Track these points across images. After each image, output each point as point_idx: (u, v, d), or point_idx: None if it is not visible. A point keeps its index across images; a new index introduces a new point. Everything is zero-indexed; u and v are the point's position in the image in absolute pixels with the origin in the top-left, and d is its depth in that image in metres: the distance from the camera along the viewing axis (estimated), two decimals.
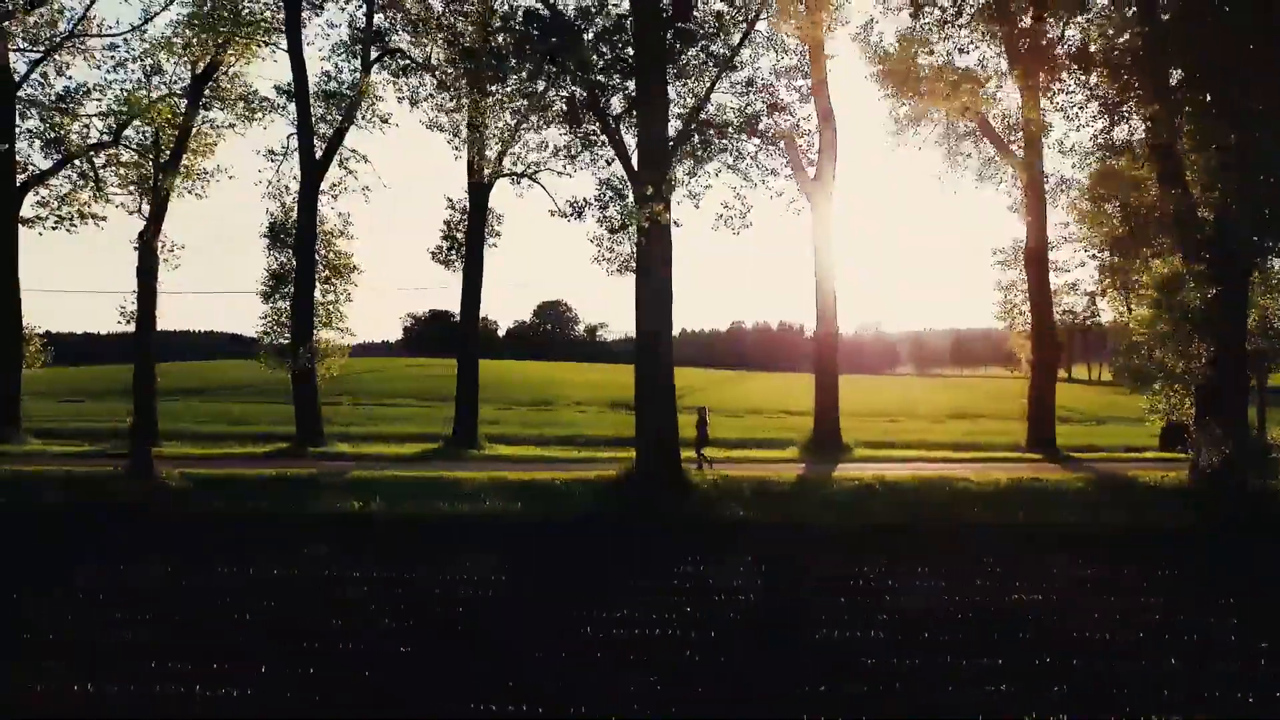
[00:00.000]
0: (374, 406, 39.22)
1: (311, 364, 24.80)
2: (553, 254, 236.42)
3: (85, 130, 27.29)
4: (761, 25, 20.42)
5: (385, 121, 25.72)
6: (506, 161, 24.86)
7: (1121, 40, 16.64)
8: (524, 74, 16.51)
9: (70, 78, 27.28)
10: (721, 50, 17.06)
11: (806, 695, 8.38)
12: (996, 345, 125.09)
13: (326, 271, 25.60)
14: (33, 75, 26.25)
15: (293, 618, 10.54)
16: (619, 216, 16.97)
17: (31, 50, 26.26)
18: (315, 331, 25.02)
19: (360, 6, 25.45)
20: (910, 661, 9.31)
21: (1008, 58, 24.34)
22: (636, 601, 11.18)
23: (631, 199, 16.99)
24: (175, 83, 26.68)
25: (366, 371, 54.27)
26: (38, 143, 26.92)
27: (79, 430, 29.05)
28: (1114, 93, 17.01)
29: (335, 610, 10.81)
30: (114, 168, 27.58)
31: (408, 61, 26.04)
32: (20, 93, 25.78)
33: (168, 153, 26.55)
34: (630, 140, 17.63)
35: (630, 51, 16.89)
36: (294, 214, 25.29)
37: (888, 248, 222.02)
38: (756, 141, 18.15)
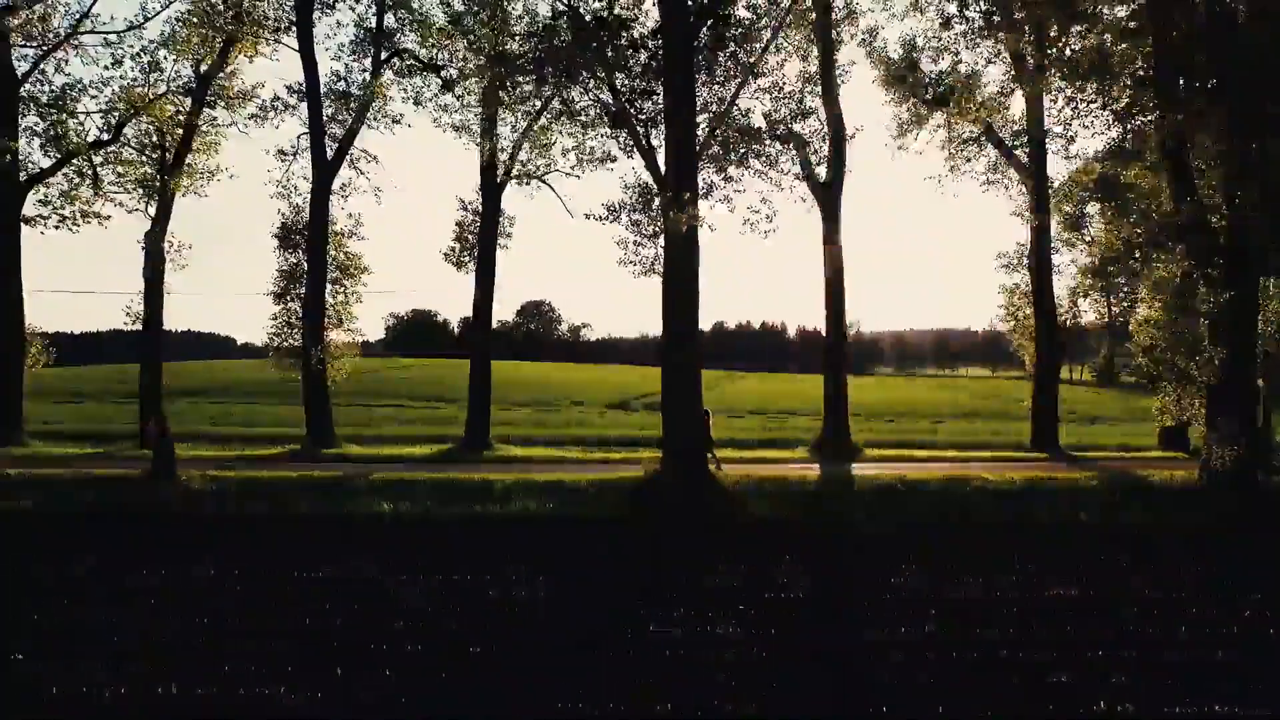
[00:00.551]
0: (376, 408, 39.05)
1: (323, 365, 24.74)
2: (536, 254, 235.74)
3: (81, 127, 26.93)
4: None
5: (396, 122, 25.68)
6: (517, 164, 25.02)
7: (1132, 51, 17.10)
8: (556, 81, 16.64)
9: (69, 75, 26.80)
10: (747, 58, 17.30)
11: (875, 689, 8.63)
12: (978, 345, 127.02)
13: (336, 272, 25.55)
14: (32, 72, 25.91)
15: (354, 620, 10.61)
16: (647, 221, 17.14)
17: (28, 45, 25.91)
18: (325, 332, 24.97)
19: (370, 7, 25.44)
20: (970, 655, 9.61)
21: (1013, 66, 24.94)
22: (690, 601, 11.38)
23: (658, 203, 17.20)
24: (174, 80, 26.44)
25: (354, 372, 53.99)
26: (37, 140, 26.59)
27: (79, 432, 28.68)
28: (1125, 103, 17.44)
29: (395, 613, 10.89)
30: (112, 166, 27.25)
31: (414, 61, 26.04)
32: (22, 90, 25.37)
33: (171, 152, 26.41)
34: (654, 138, 17.83)
35: (655, 59, 17.09)
36: (302, 214, 25.28)
37: (869, 248, 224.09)
38: (778, 146, 18.40)
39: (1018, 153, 25.47)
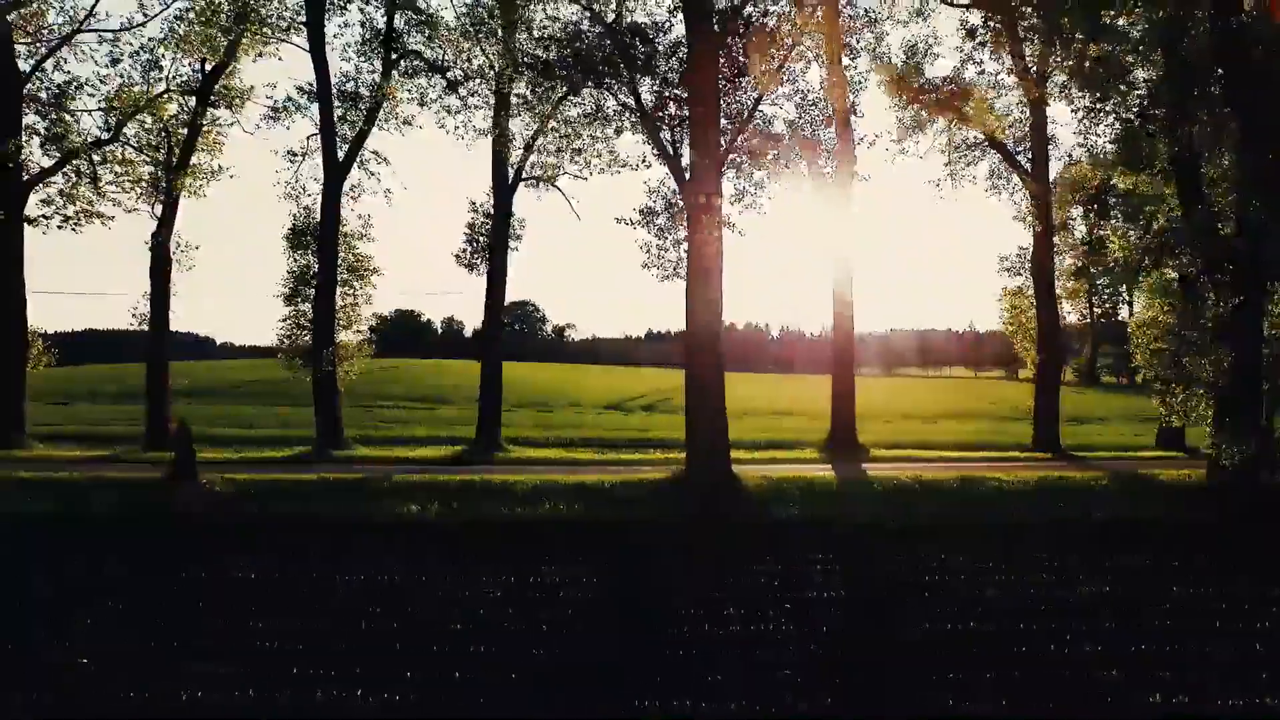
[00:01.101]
0: (374, 409, 38.87)
1: (333, 367, 24.69)
2: (519, 254, 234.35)
3: (78, 124, 26.62)
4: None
5: (408, 124, 25.67)
6: (528, 167, 25.14)
7: (1142, 63, 17.56)
8: (583, 85, 16.80)
9: (69, 73, 26.42)
10: (769, 65, 17.56)
11: (941, 685, 8.89)
12: (959, 346, 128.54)
13: (344, 273, 25.48)
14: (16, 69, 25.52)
15: (410, 623, 10.69)
16: (670, 225, 17.36)
17: (35, 43, 25.60)
18: (336, 334, 24.93)
19: (380, 9, 25.38)
20: (1018, 650, 9.91)
21: (1016, 75, 25.47)
22: (736, 601, 11.59)
23: (683, 208, 17.42)
24: (174, 79, 26.22)
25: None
26: (36, 139, 26.26)
27: (78, 434, 28.34)
28: (1135, 113, 17.89)
29: (450, 615, 10.99)
30: (111, 165, 26.99)
31: (420, 62, 26.04)
32: (26, 88, 25.07)
33: (177, 152, 26.21)
34: (668, 137, 18.04)
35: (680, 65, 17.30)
36: (313, 215, 25.20)
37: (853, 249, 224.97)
38: (798, 150, 18.70)
39: (1020, 158, 25.98)
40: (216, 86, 26.57)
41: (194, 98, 26.46)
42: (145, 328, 25.75)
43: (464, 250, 25.13)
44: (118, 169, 26.80)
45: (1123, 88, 17.72)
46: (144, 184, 26.54)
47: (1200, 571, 13.32)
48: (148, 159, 26.62)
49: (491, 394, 25.40)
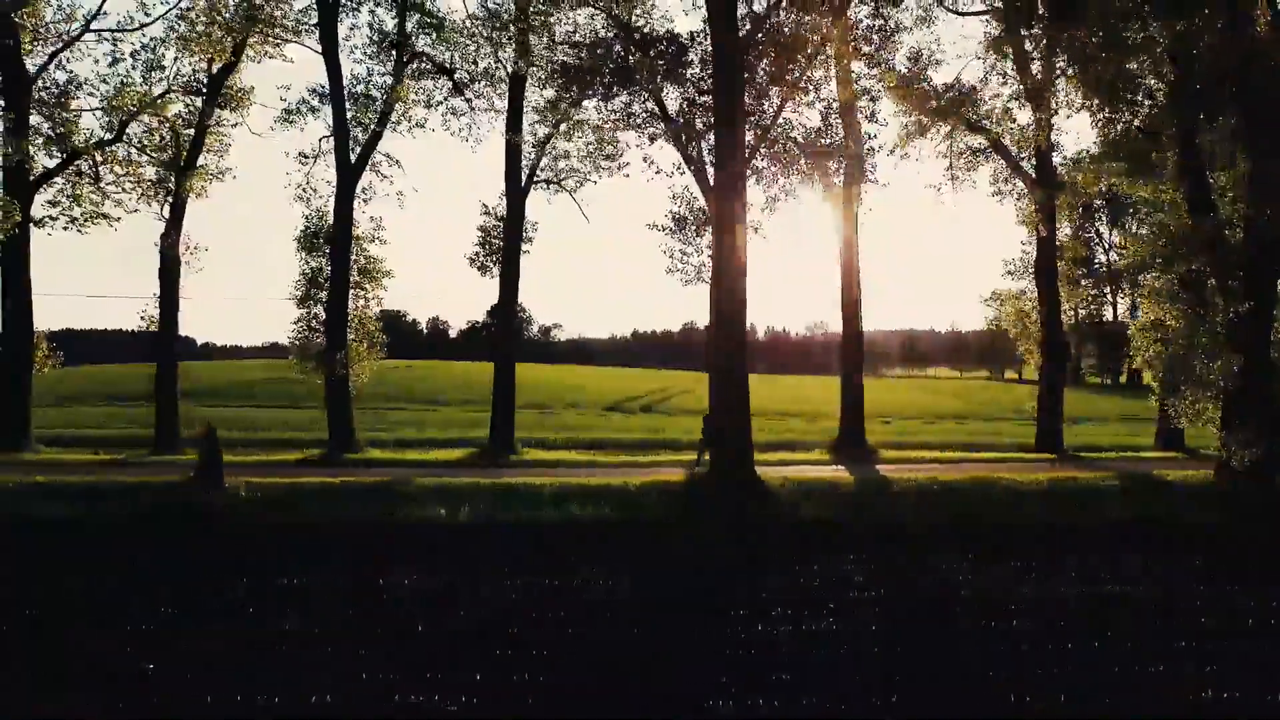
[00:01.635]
0: (375, 410, 38.73)
1: (346, 369, 24.66)
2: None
3: (77, 122, 26.32)
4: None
5: (420, 126, 25.68)
6: (540, 170, 25.25)
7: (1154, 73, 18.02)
8: (609, 92, 17.03)
9: (71, 73, 26.19)
10: (791, 75, 17.85)
11: (1002, 680, 9.18)
12: (944, 347, 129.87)
13: (356, 275, 25.45)
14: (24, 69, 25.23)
15: (465, 625, 10.82)
16: (695, 231, 17.59)
17: (32, 42, 25.31)
18: (349, 337, 24.90)
19: (391, 12, 25.37)
20: (1064, 646, 10.23)
21: (1021, 83, 25.96)
22: (782, 601, 11.83)
23: (707, 213, 17.66)
24: (175, 78, 26.01)
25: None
26: (40, 139, 25.95)
27: (84, 438, 28.03)
28: (1146, 122, 18.36)
29: (503, 617, 11.13)
30: (111, 165, 26.73)
31: (429, 64, 26.05)
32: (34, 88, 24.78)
33: (185, 153, 26.04)
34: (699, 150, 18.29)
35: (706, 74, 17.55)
36: (325, 217, 25.15)
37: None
38: (817, 158, 19.02)
39: (1024, 163, 26.47)
40: (224, 87, 26.39)
41: (199, 98, 26.29)
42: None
43: (477, 253, 25.19)
44: (118, 169, 26.57)
45: (1131, 98, 18.14)
46: (145, 185, 26.32)
47: (1221, 572, 13.75)
48: (150, 159, 26.40)
49: (505, 396, 25.46)
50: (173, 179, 25.72)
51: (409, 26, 25.47)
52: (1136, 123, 18.43)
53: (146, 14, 25.80)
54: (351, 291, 25.33)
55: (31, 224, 24.85)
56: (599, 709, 8.57)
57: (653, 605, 11.93)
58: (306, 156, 25.16)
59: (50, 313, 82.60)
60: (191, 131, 26.24)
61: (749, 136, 18.03)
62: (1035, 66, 25.23)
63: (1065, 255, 26.07)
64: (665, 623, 11.19)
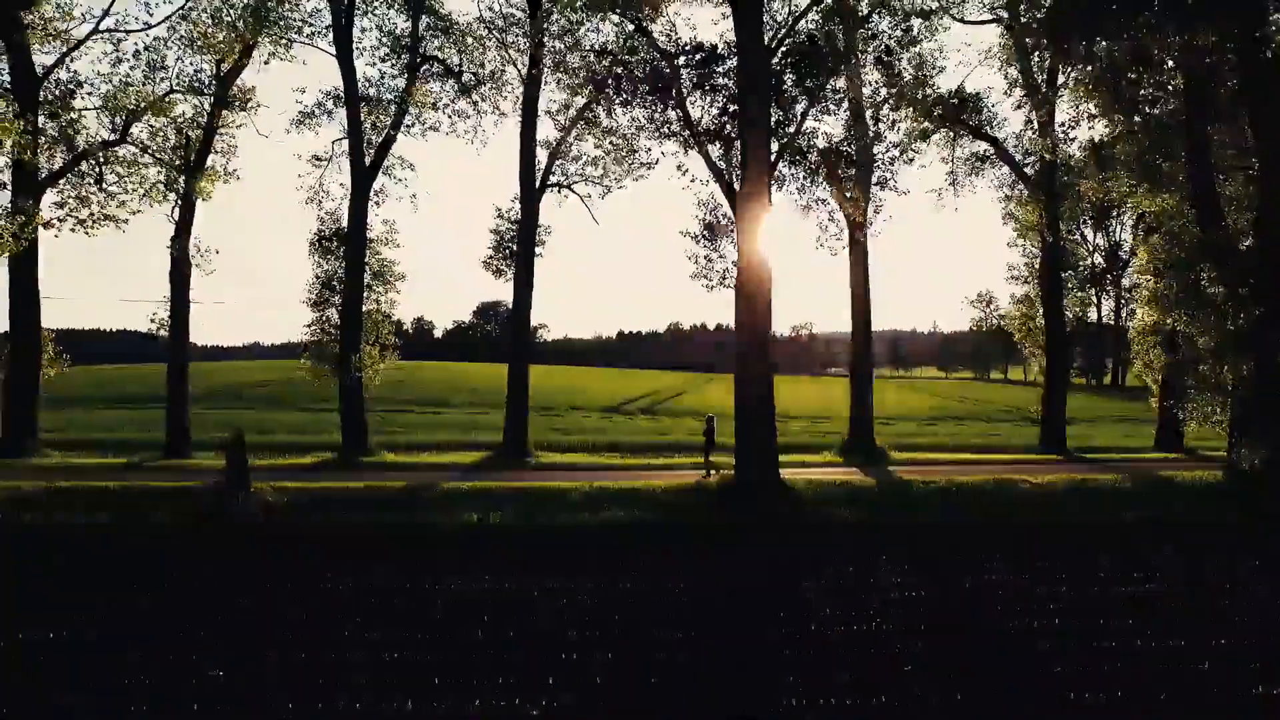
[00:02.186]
0: (381, 413, 38.60)
1: (360, 373, 24.65)
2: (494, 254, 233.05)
3: (82, 122, 26.09)
4: None
5: (434, 129, 25.73)
6: (554, 174, 25.40)
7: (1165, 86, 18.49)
8: (636, 106, 17.29)
9: (75, 73, 25.99)
10: (816, 85, 18.14)
11: (1051, 679, 9.47)
12: (929, 347, 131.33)
13: (369, 277, 25.45)
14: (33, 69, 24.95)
15: (527, 630, 10.94)
16: (717, 236, 17.82)
17: (43, 39, 25.07)
18: (363, 340, 24.90)
19: (404, 15, 25.39)
20: (1108, 644, 10.55)
21: (1025, 90, 26.46)
22: (829, 602, 12.07)
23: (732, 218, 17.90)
24: (178, 78, 25.86)
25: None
26: (42, 139, 25.68)
27: (90, 441, 27.77)
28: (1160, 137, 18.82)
29: (561, 621, 11.27)
30: (113, 166, 26.51)
31: (440, 67, 26.11)
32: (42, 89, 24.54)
33: (194, 154, 25.89)
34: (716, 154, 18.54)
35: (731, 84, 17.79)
36: (338, 220, 25.16)
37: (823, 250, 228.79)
38: (841, 165, 19.34)
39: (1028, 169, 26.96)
40: (232, 88, 26.28)
41: (203, 99, 26.16)
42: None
43: (491, 257, 25.26)
44: (119, 170, 26.37)
45: (1143, 108, 18.59)
46: (147, 186, 26.13)
47: (1241, 570, 14.18)
48: (153, 160, 26.21)
49: (518, 399, 25.56)
50: (182, 181, 25.53)
51: (421, 29, 25.52)
52: (1148, 133, 18.86)
53: (150, 13, 25.72)
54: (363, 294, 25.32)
55: (40, 226, 24.59)
56: (669, 712, 8.75)
57: (704, 608, 12.11)
58: (320, 159, 25.17)
59: (48, 314, 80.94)
60: (200, 133, 26.09)
61: (773, 144, 18.28)
62: (1040, 75, 25.75)
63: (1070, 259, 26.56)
64: (724, 625, 11.38)
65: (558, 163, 25.18)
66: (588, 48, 18.79)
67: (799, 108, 18.14)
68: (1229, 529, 16.41)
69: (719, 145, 18.05)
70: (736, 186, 18.04)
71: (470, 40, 25.64)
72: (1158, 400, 26.56)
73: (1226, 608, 12.15)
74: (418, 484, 19.25)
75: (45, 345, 25.19)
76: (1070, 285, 30.70)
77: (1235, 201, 18.73)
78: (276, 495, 17.78)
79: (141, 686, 9.10)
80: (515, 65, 24.84)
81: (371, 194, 25.25)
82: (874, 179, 19.89)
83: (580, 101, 24.60)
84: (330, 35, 24.58)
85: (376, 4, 25.02)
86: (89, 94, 26.07)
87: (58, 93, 25.50)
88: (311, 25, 24.96)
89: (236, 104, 26.78)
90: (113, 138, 25.92)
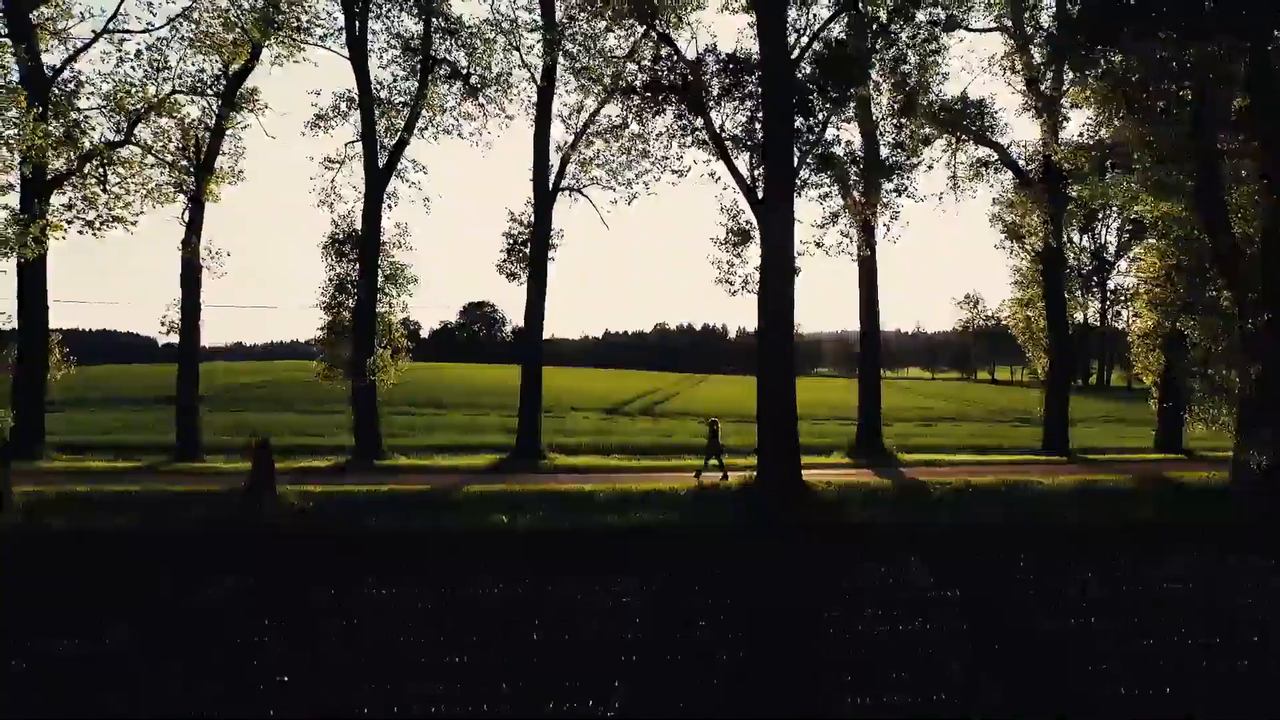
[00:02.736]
0: (387, 415, 38.42)
1: (374, 376, 24.64)
2: (474, 254, 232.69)
3: (88, 123, 25.81)
4: None
5: (448, 133, 25.76)
6: (566, 177, 25.54)
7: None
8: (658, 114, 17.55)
9: (79, 72, 25.77)
10: (839, 93, 18.43)
11: (1104, 674, 9.80)
12: (915, 348, 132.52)
13: (381, 280, 25.42)
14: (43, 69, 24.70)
15: (587, 634, 11.09)
16: (741, 242, 18.08)
17: (52, 39, 24.83)
18: (377, 343, 24.89)
19: (416, 18, 25.40)
20: (1147, 643, 10.92)
21: (1029, 98, 26.96)
22: (862, 604, 12.34)
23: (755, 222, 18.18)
24: (180, 78, 25.67)
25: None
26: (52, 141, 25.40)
27: (96, 444, 27.47)
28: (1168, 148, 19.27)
29: (617, 624, 11.45)
30: (114, 167, 26.28)
31: (448, 68, 26.14)
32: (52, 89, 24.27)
33: (203, 155, 25.74)
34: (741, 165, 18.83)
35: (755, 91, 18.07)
36: (349, 222, 25.12)
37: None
38: (858, 172, 19.66)
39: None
40: (240, 89, 26.15)
41: (211, 99, 26.01)
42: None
43: (505, 260, 25.33)
44: (121, 170, 26.14)
45: (1152, 118, 19.04)
46: (150, 188, 25.94)
47: (1261, 569, 14.64)
48: (157, 161, 26.02)
49: (532, 401, 25.66)
50: (192, 182, 25.36)
51: (433, 33, 25.52)
52: (1162, 143, 19.27)
53: (152, 13, 25.47)
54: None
55: (48, 228, 24.32)
56: (732, 710, 8.97)
57: (749, 609, 12.34)
58: (333, 161, 25.10)
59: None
60: (208, 134, 25.94)
61: (795, 152, 18.56)
62: (1045, 82, 26.24)
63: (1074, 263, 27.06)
64: (772, 625, 11.62)
65: (570, 166, 25.31)
66: (612, 54, 18.96)
67: (821, 116, 18.41)
68: (1241, 529, 16.88)
69: (741, 152, 18.29)
70: (759, 194, 18.29)
71: (479, 43, 25.67)
72: (1157, 402, 27.14)
73: (1250, 606, 12.58)
74: (440, 487, 19.32)
75: (52, 347, 24.91)
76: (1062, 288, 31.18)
77: (1241, 210, 19.22)
78: (301, 499, 17.77)
79: (218, 689, 9.21)
80: (529, 70, 24.92)
81: (384, 197, 25.21)
82: (892, 185, 20.19)
83: (592, 105, 24.86)
84: (343, 38, 24.53)
85: (388, 6, 25.00)
86: (90, 94, 25.86)
87: (63, 92, 25.24)
88: (323, 27, 24.93)
89: (244, 105, 26.64)
90: (117, 138, 25.69)
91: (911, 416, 42.78)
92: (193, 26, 25.04)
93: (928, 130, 28.07)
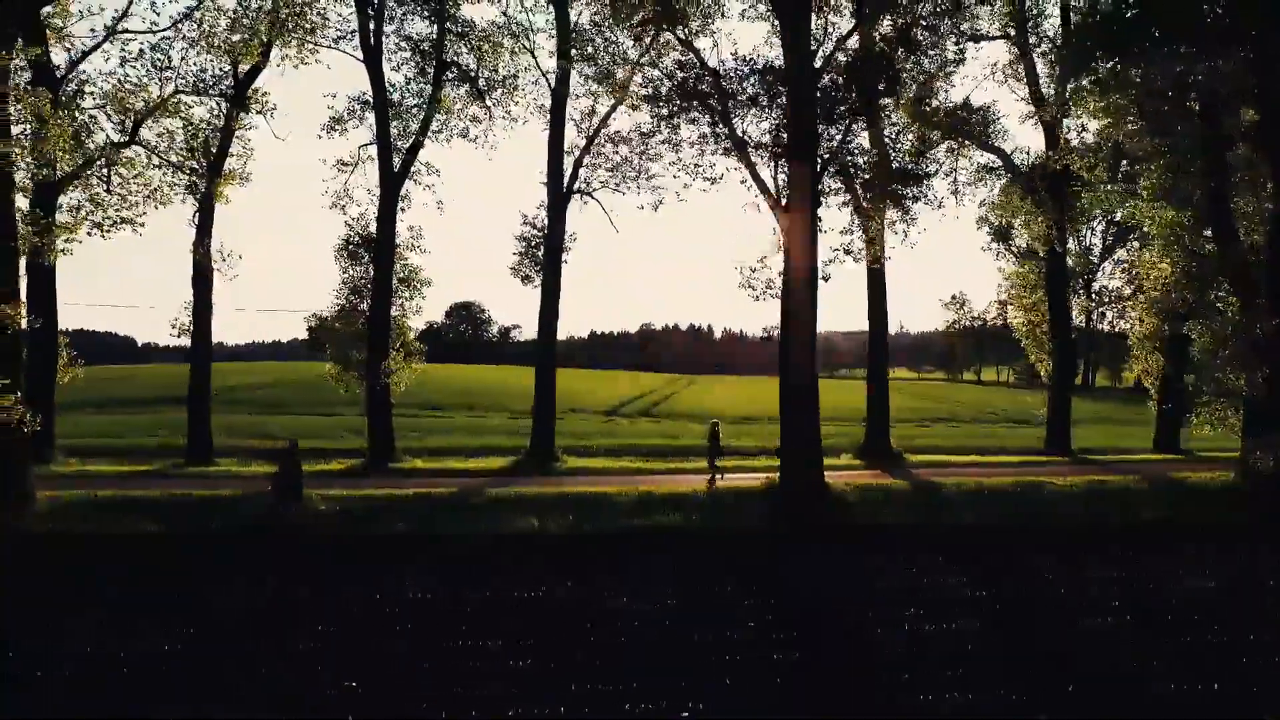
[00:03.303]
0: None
1: (388, 379, 24.64)
2: (459, 254, 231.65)
3: (95, 124, 25.58)
4: None
5: (464, 136, 25.80)
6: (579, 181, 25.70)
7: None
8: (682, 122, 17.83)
9: (83, 72, 25.53)
10: (861, 101, 18.74)
11: (1148, 670, 10.13)
12: (903, 348, 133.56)
13: (395, 283, 25.42)
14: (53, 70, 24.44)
15: (646, 637, 11.27)
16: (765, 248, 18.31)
17: (61, 39, 24.59)
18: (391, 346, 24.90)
19: (429, 21, 25.42)
20: (1183, 640, 11.28)
21: (1033, 105, 27.47)
22: (903, 603, 12.61)
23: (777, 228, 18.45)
24: (186, 79, 25.52)
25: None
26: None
27: (103, 448, 27.21)
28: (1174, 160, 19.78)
29: (679, 626, 11.65)
30: (117, 167, 26.07)
31: (458, 72, 26.20)
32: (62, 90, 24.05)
33: (213, 156, 25.60)
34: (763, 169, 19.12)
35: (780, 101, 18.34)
36: (364, 225, 25.13)
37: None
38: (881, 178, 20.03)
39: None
40: (250, 90, 26.03)
41: (220, 100, 25.88)
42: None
43: (519, 263, 25.44)
44: (123, 171, 25.93)
45: (1164, 129, 19.51)
46: (150, 189, 25.75)
47: (1275, 566, 15.11)
48: (160, 162, 25.85)
49: (545, 403, 25.75)
50: (203, 184, 25.21)
51: (445, 37, 25.56)
52: (1175, 153, 19.73)
53: (156, 13, 25.35)
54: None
55: (56, 230, 24.08)
56: (791, 710, 9.20)
57: (796, 610, 12.57)
58: (346, 164, 25.07)
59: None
60: (217, 135, 25.79)
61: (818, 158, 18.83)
62: (1048, 90, 26.76)
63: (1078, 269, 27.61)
64: (819, 625, 11.85)
65: (582, 170, 25.47)
66: (638, 62, 19.13)
67: (843, 123, 18.70)
68: (1253, 529, 17.36)
69: (763, 157, 18.56)
70: (782, 200, 18.55)
71: (485, 46, 25.77)
72: (1156, 404, 27.74)
73: (1276, 603, 13.01)
74: (464, 490, 19.40)
75: (61, 350, 24.67)
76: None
77: (1247, 218, 19.76)
78: (327, 504, 17.78)
79: (280, 694, 9.29)
80: (544, 74, 25.06)
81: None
82: (912, 192, 20.51)
83: (603, 110, 25.05)
84: (356, 39, 24.52)
85: (402, 10, 25.02)
86: (89, 93, 25.63)
87: (69, 93, 25.01)
88: (337, 29, 24.90)
89: (254, 106, 26.51)
90: (124, 139, 25.49)
91: (908, 418, 43.20)
92: (194, 27, 24.91)
93: (931, 136, 28.63)
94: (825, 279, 18.17)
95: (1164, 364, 25.97)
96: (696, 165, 19.07)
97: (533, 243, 25.42)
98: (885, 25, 17.89)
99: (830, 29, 19.40)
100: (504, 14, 26.15)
